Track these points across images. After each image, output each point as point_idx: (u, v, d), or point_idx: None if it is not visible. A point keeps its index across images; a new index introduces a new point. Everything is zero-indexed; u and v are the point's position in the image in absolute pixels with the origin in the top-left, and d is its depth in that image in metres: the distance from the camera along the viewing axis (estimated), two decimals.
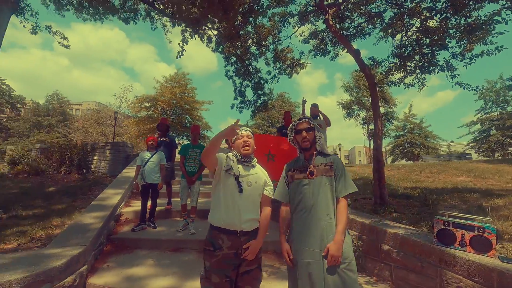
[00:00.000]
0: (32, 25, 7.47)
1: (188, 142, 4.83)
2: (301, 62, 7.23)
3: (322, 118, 5.00)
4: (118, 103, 31.18)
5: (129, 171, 8.10)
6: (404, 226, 3.16)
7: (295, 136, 2.07)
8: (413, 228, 3.11)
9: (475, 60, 4.27)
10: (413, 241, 2.58)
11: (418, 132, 28.35)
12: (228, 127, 1.81)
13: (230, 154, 2.02)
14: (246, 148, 1.97)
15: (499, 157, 19.46)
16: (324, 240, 1.79)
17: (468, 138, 25.82)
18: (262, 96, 13.89)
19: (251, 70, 13.16)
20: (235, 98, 13.76)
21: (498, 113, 24.03)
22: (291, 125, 2.12)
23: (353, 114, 25.87)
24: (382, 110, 24.10)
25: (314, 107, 4.84)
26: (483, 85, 4.88)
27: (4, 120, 35.45)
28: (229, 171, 1.91)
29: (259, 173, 2.02)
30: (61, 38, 7.99)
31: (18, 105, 34.51)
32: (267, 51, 10.74)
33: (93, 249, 3.40)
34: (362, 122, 26.32)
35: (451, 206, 4.33)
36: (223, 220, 1.86)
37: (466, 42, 4.56)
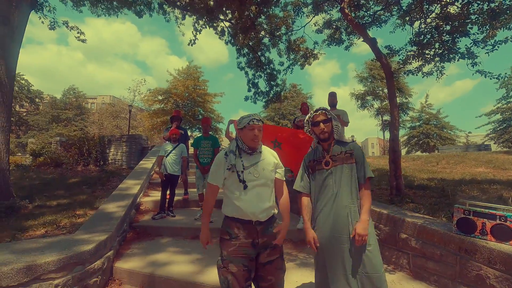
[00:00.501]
0: (50, 20, 7.67)
1: (200, 135, 4.94)
2: (315, 52, 7.13)
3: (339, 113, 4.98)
4: (132, 97, 31.71)
5: (146, 163, 8.32)
6: (422, 215, 3.16)
7: (313, 129, 2.08)
8: (431, 217, 3.11)
9: (498, 47, 4.12)
10: (432, 229, 2.59)
11: (435, 123, 27.60)
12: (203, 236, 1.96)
13: (233, 146, 1.93)
14: (256, 140, 1.86)
15: None
16: (351, 226, 1.85)
17: (487, 129, 25.00)
18: (275, 87, 13.85)
19: (263, 61, 13.10)
20: (249, 90, 13.76)
21: None
22: (307, 117, 2.14)
23: (366, 105, 25.42)
24: (398, 100, 23.57)
25: (332, 96, 4.81)
26: (505, 73, 4.69)
27: (24, 114, 36.77)
28: (233, 169, 1.83)
29: (267, 158, 1.92)
30: (78, 33, 8.17)
31: (37, 100, 35.66)
32: (279, 42, 10.66)
33: (118, 235, 3.57)
34: (376, 113, 25.83)
35: (470, 197, 4.27)
36: (236, 212, 1.83)
37: (488, 28, 4.40)
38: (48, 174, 11.58)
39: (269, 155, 1.96)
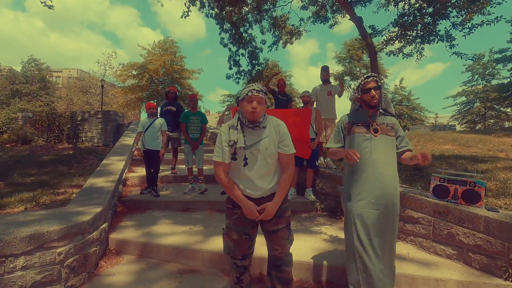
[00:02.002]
0: None
1: (188, 110, 4.91)
2: (300, 29, 7.13)
3: (337, 84, 5.06)
4: (102, 71, 29.92)
5: (127, 139, 8.12)
6: (400, 185, 3.47)
7: (362, 96, 2.03)
8: (408, 186, 3.43)
9: (474, 30, 4.40)
10: (410, 196, 2.88)
11: (406, 104, 28.99)
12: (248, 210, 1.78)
13: (235, 120, 1.81)
14: (254, 113, 1.70)
15: (481, 129, 20.38)
16: (387, 194, 1.93)
17: (452, 110, 26.74)
18: (257, 66, 13.71)
19: (246, 38, 12.83)
20: (230, 68, 13.53)
21: (483, 86, 24.73)
22: (357, 83, 2.08)
23: (344, 85, 25.84)
24: None
25: (325, 70, 4.89)
26: (479, 53, 5.02)
27: None
28: (234, 146, 1.73)
29: (271, 134, 1.78)
30: None
31: None
32: (263, 19, 10.44)
33: (109, 208, 3.58)
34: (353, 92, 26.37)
35: (440, 170, 4.69)
36: (239, 189, 1.80)
37: (466, 12, 4.65)
38: (16, 152, 10.93)
39: (273, 129, 1.79)
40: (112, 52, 29.55)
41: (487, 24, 4.40)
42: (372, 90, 1.97)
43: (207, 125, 5.06)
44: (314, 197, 4.38)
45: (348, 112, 2.25)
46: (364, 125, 2.02)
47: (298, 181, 4.63)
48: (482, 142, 8.20)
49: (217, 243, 2.93)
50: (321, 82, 5.10)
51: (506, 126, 22.51)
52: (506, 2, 4.54)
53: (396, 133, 2.03)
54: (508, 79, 20.12)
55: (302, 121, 4.35)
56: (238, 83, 13.61)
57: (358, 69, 23.53)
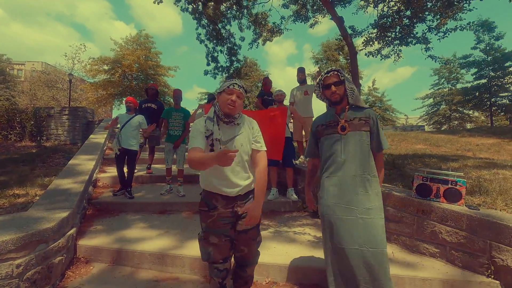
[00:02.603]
0: None
1: (171, 107, 4.66)
2: (281, 28, 7.08)
3: (313, 84, 5.07)
4: (70, 65, 28.14)
5: (98, 137, 7.63)
6: (383, 184, 3.50)
7: (324, 92, 1.92)
8: (390, 185, 3.46)
9: (448, 34, 4.57)
10: (394, 195, 2.89)
11: (379, 105, 30.14)
12: (221, 153, 1.43)
13: (211, 113, 1.78)
14: (231, 107, 1.70)
15: (446, 129, 21.67)
16: (359, 197, 1.76)
17: (421, 111, 28.22)
18: (235, 63, 13.51)
19: (224, 34, 12.58)
20: (208, 64, 13.23)
21: (448, 89, 26.33)
22: (318, 79, 1.97)
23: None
24: None
25: (301, 71, 4.86)
26: (451, 57, 5.23)
27: None
28: (210, 138, 1.71)
29: (245, 131, 1.79)
30: None
31: None
32: (243, 16, 10.27)
33: (78, 212, 3.28)
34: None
35: (415, 169, 4.84)
36: (214, 188, 1.77)
37: (440, 16, 4.82)
38: None
39: (247, 127, 1.82)
40: (81, 45, 27.81)
41: (460, 30, 4.59)
42: (332, 85, 1.85)
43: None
44: (296, 196, 4.32)
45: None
46: (333, 125, 1.89)
47: (279, 181, 4.55)
48: (450, 142, 8.65)
49: (198, 248, 2.75)
50: (298, 84, 5.10)
51: (468, 127, 24.14)
52: (476, 9, 4.77)
53: (371, 127, 1.86)
54: (471, 83, 21.56)
55: (278, 119, 4.27)
56: (215, 78, 13.36)
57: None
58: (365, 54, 5.89)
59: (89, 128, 14.26)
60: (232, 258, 1.94)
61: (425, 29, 4.73)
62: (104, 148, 7.22)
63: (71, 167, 4.62)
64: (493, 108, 20.49)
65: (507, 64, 18.98)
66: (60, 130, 14.02)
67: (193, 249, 2.74)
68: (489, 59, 19.31)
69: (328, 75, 1.88)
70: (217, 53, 12.86)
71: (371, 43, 5.71)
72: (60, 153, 9.62)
